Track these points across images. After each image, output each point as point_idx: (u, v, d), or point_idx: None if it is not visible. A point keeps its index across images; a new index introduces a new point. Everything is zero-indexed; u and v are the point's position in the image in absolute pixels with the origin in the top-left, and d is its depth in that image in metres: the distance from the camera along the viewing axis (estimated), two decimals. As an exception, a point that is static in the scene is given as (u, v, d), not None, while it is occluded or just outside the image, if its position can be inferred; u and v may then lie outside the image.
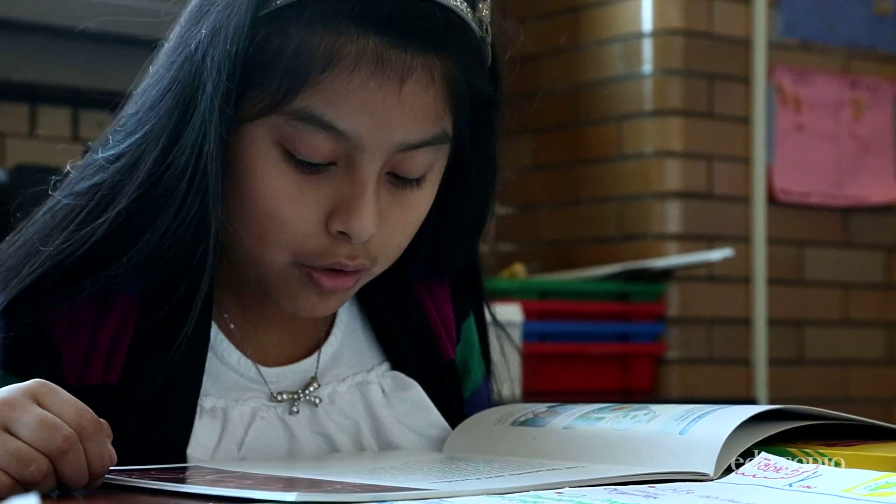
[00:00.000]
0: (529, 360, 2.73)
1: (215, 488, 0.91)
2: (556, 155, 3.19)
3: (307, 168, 1.07)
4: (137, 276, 1.10)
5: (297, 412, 1.17)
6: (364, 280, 1.14)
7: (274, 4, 1.06)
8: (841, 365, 3.25)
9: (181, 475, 1.01)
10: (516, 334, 2.68)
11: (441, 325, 1.26)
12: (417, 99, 1.07)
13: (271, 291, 1.14)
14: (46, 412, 0.92)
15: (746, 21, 3.11)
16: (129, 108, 1.15)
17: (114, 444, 0.96)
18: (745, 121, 3.11)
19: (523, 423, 1.17)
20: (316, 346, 1.21)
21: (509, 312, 2.67)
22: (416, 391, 1.21)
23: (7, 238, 1.15)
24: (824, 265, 3.23)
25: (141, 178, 1.08)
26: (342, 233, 1.08)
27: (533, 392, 2.67)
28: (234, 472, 1.02)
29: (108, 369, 1.09)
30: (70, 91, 2.65)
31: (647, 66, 3.03)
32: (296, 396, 1.18)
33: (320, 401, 1.18)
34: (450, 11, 1.09)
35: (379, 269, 1.14)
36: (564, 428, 1.12)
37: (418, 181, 1.11)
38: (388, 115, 1.06)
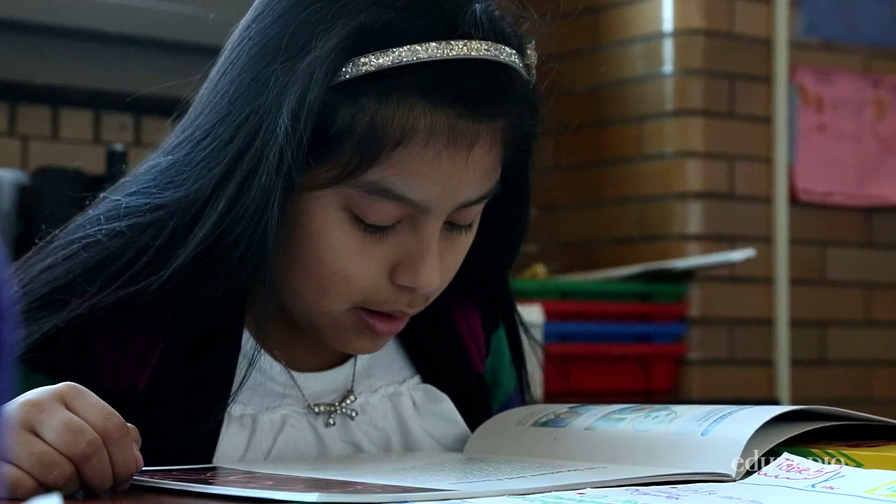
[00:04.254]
0: (550, 361, 2.73)
1: (237, 489, 0.91)
2: (577, 155, 3.18)
3: (373, 229, 1.08)
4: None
5: (334, 424, 1.17)
6: (406, 321, 1.15)
7: (344, 77, 1.05)
8: (864, 366, 3.23)
9: (203, 476, 1.01)
10: (537, 335, 2.68)
11: (470, 338, 1.26)
12: (482, 162, 1.09)
13: (322, 334, 1.15)
14: (73, 415, 0.92)
15: (768, 21, 3.10)
16: (174, 154, 1.12)
17: (141, 449, 0.97)
18: (767, 121, 3.10)
19: (544, 424, 1.17)
20: (347, 356, 1.21)
21: (530, 313, 2.66)
22: (447, 405, 1.22)
23: (35, 253, 1.13)
24: (847, 265, 3.22)
25: (195, 243, 1.07)
26: (407, 287, 1.10)
27: (554, 393, 2.66)
28: (256, 472, 1.02)
29: (138, 375, 1.10)
30: (92, 93, 2.66)
31: (668, 67, 3.03)
32: (333, 409, 1.18)
33: (356, 414, 1.19)
34: (509, 69, 1.10)
35: (425, 306, 1.16)
36: (586, 429, 1.12)
37: (469, 225, 1.14)
38: (457, 181, 1.08)
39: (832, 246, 3.20)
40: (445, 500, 0.87)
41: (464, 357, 1.25)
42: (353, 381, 1.20)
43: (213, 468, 1.07)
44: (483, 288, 1.27)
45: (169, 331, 1.10)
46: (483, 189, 1.11)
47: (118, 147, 2.35)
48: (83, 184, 2.24)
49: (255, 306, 1.15)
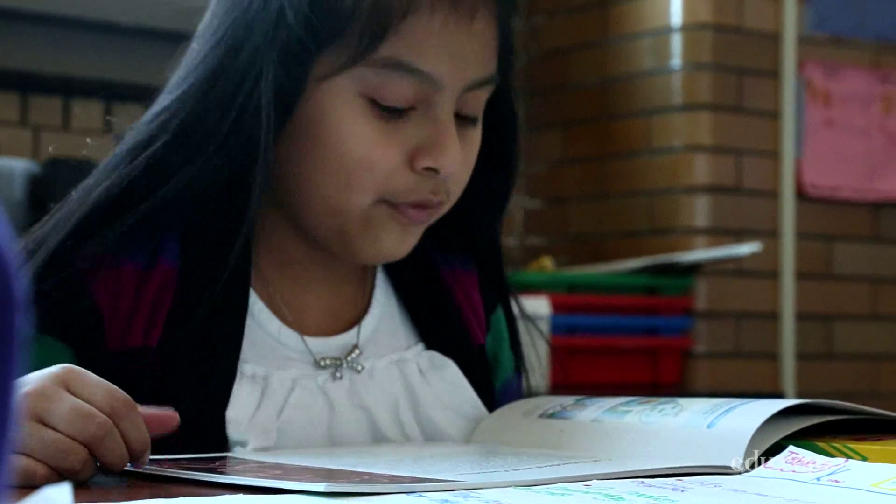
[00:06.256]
0: (558, 353, 2.74)
1: (247, 478, 0.92)
2: (586, 149, 3.19)
3: (390, 114, 1.12)
4: (180, 226, 1.13)
5: (341, 377, 1.19)
6: (434, 218, 1.19)
7: None
8: (870, 360, 3.24)
9: (213, 465, 1.01)
10: (544, 327, 2.69)
11: (470, 311, 1.28)
12: (483, 36, 1.14)
13: (351, 237, 1.17)
14: (78, 400, 0.92)
15: (776, 15, 3.10)
16: (172, 79, 1.17)
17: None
18: (775, 115, 3.11)
19: (551, 416, 1.17)
20: (355, 322, 1.24)
21: (537, 305, 2.67)
22: (452, 370, 1.23)
23: (40, 226, 1.16)
24: (853, 260, 3.22)
25: (181, 117, 1.12)
26: (428, 169, 1.13)
27: (561, 385, 2.67)
28: (265, 461, 1.03)
29: (149, 332, 1.11)
30: (103, 84, 2.66)
31: (677, 61, 3.03)
32: (339, 363, 1.20)
33: (362, 368, 1.20)
34: None
35: (447, 207, 1.19)
36: (592, 421, 1.13)
37: (474, 120, 1.18)
38: (463, 53, 1.13)
39: (839, 240, 3.20)
40: (453, 490, 0.88)
41: (464, 327, 1.27)
42: (357, 338, 1.23)
43: (223, 457, 1.08)
44: (477, 238, 1.29)
45: (176, 288, 1.12)
46: (487, 70, 1.15)
47: (128, 138, 2.36)
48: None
49: (265, 271, 1.19)
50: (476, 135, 1.18)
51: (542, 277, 2.88)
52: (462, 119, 1.16)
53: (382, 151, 1.12)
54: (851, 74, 3.21)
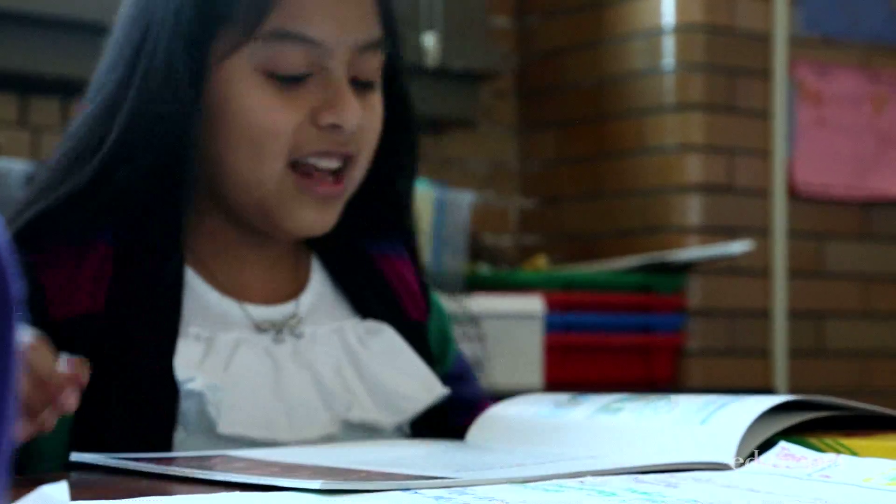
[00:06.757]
0: (552, 351, 2.75)
1: (243, 475, 0.92)
2: (580, 148, 3.20)
3: (287, 83, 1.19)
4: (115, 219, 1.18)
5: (283, 341, 1.23)
6: (349, 188, 1.24)
7: None
8: (861, 356, 3.25)
9: (209, 462, 1.02)
10: (539, 325, 2.70)
11: (402, 287, 1.32)
12: (362, 2, 1.22)
13: (271, 214, 1.22)
14: None
15: (767, 16, 3.11)
16: (98, 75, 1.24)
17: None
18: (766, 115, 3.12)
19: (545, 413, 1.18)
20: (292, 298, 1.27)
21: (531, 303, 2.68)
22: (388, 332, 1.28)
23: None
24: (844, 257, 3.23)
25: (120, 123, 1.18)
26: (332, 126, 1.19)
27: (555, 382, 2.68)
28: (261, 460, 1.04)
29: (95, 298, 1.15)
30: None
31: (669, 61, 3.04)
32: (280, 326, 1.24)
33: (303, 334, 1.24)
34: None
35: (358, 171, 1.24)
36: (586, 418, 1.14)
37: (372, 86, 1.24)
38: (346, 17, 1.20)
39: (830, 238, 3.21)
40: (448, 487, 0.88)
41: (395, 303, 1.31)
42: (296, 308, 1.27)
43: (220, 455, 1.08)
44: (393, 198, 1.33)
45: (114, 265, 1.17)
46: (372, 33, 1.22)
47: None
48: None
49: (202, 251, 1.24)
50: (376, 100, 1.24)
51: (537, 276, 2.88)
52: (360, 85, 1.22)
53: (284, 115, 1.19)
54: (842, 74, 3.23)
